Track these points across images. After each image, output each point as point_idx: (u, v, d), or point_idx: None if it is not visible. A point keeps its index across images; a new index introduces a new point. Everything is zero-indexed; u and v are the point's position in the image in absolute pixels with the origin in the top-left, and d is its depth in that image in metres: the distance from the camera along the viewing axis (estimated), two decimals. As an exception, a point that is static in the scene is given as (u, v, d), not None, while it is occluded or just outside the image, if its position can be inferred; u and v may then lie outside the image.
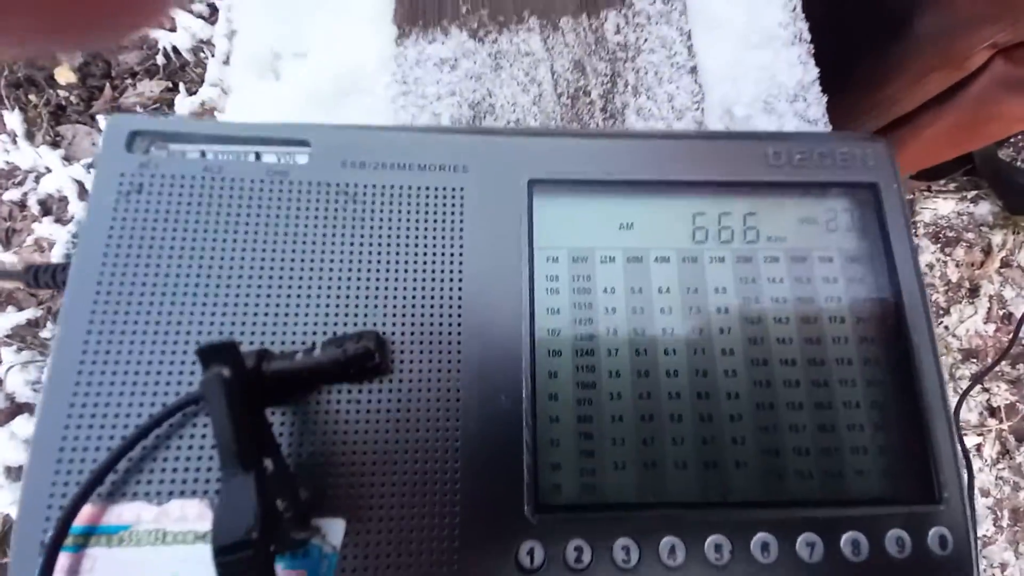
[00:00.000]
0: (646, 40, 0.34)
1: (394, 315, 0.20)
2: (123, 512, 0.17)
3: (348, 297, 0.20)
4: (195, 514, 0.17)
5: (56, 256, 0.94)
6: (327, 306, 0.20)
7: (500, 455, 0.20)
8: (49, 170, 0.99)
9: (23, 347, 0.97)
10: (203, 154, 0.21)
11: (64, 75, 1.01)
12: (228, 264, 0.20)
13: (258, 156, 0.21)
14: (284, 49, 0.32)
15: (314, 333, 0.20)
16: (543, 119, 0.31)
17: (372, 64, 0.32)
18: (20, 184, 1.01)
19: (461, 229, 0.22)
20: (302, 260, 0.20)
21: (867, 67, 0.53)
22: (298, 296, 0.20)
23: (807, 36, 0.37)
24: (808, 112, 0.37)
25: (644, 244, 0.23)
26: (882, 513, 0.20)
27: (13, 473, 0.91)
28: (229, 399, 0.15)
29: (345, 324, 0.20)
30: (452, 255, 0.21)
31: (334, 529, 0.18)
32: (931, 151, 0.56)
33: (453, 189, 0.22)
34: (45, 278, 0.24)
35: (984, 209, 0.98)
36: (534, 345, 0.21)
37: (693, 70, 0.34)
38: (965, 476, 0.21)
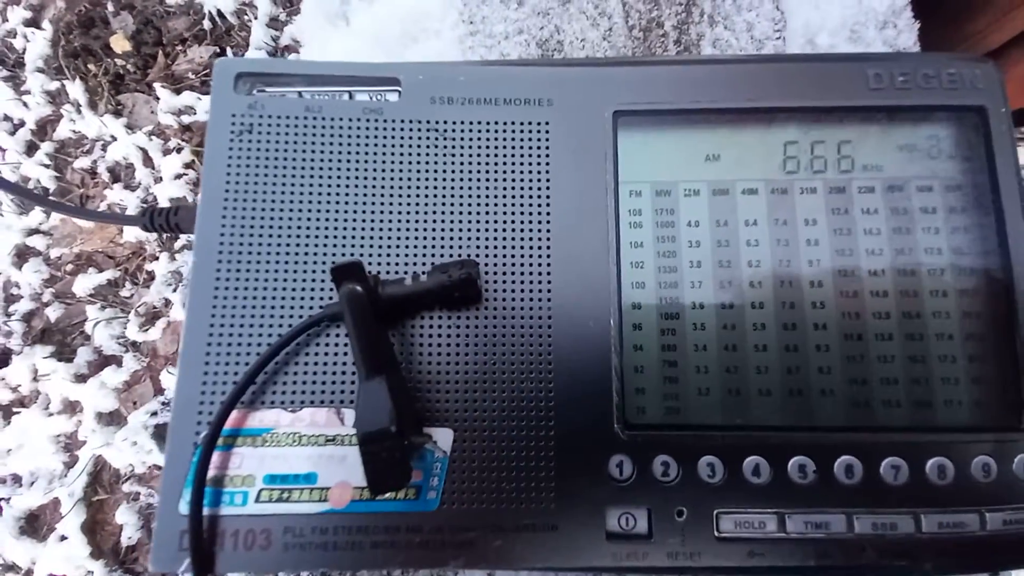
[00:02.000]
0: (723, -35, 0.32)
1: (486, 246, 0.21)
2: (264, 417, 0.20)
3: (442, 229, 0.21)
4: (324, 420, 0.20)
5: (128, 219, 1.01)
6: (422, 238, 0.21)
7: (589, 378, 0.21)
8: (114, 138, 1.04)
9: (105, 305, 1.05)
10: (300, 94, 0.22)
11: (119, 44, 1.04)
12: (333, 198, 0.21)
13: (351, 95, 0.22)
14: (352, -6, 0.32)
15: (414, 264, 0.21)
16: (614, 55, 0.30)
17: (438, 4, 0.31)
18: (88, 152, 1.07)
19: (547, 162, 0.22)
20: (399, 194, 0.21)
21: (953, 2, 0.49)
22: (396, 228, 0.21)
23: (901, -46, 0.34)
24: (898, 40, 0.34)
25: (731, 176, 0.22)
26: (970, 440, 0.20)
27: (104, 418, 1.02)
28: (364, 309, 0.16)
29: (441, 255, 0.21)
30: (539, 188, 0.22)
31: (444, 437, 0.20)
32: (1018, 92, 0.52)
33: (538, 123, 0.22)
34: (159, 220, 0.26)
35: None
36: (619, 279, 0.21)
37: (774, -5, 0.31)
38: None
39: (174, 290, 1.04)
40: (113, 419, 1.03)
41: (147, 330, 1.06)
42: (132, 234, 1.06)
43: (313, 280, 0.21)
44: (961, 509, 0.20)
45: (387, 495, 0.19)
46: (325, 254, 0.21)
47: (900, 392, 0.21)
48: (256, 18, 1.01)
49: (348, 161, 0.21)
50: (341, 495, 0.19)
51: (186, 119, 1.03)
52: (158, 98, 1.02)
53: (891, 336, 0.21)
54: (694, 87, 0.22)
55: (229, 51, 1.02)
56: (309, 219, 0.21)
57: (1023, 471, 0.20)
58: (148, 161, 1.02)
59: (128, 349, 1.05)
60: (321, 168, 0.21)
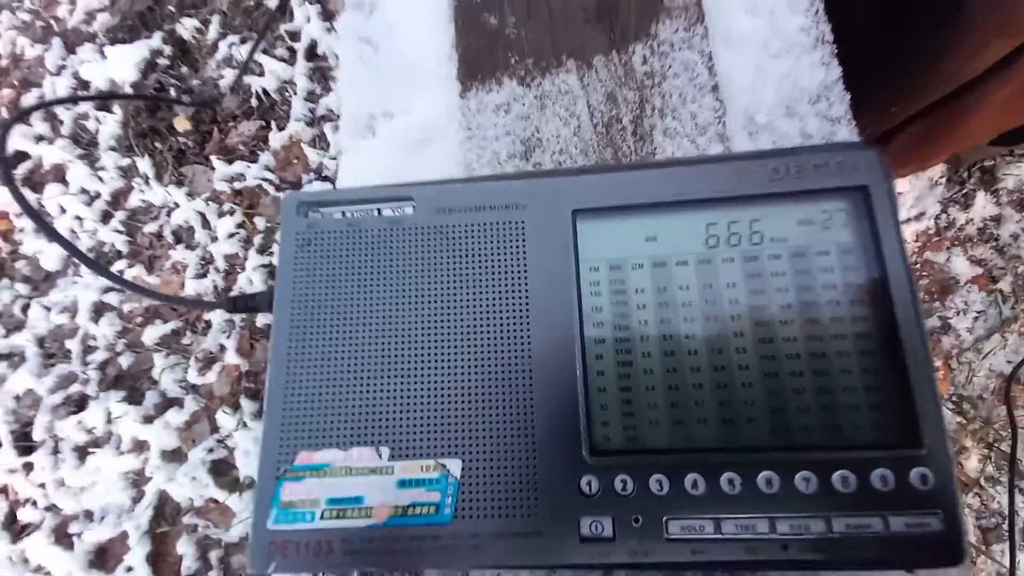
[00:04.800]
0: (670, 66, 0.39)
1: (486, 316, 0.28)
2: (324, 456, 0.27)
3: (450, 309, 0.29)
4: (368, 456, 0.27)
5: (188, 276, 1.14)
6: (435, 318, 0.29)
7: (563, 416, 0.27)
8: (177, 205, 1.19)
9: (169, 352, 1.18)
10: (343, 213, 0.30)
11: (181, 124, 1.20)
12: (373, 293, 0.29)
13: (379, 211, 0.30)
14: (376, 111, 0.41)
15: (428, 339, 0.28)
16: (582, 147, 0.38)
17: (443, 116, 0.40)
18: (155, 219, 1.22)
19: (525, 251, 0.29)
20: (418, 285, 0.29)
21: (920, 47, 0.52)
22: (417, 315, 0.29)
23: (829, 37, 0.40)
24: (831, 111, 0.40)
25: (666, 252, 0.29)
26: (869, 456, 0.25)
27: (168, 455, 1.13)
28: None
29: (449, 328, 0.29)
30: (520, 270, 0.29)
31: (455, 466, 0.27)
32: (1005, 115, 0.54)
33: (516, 222, 0.29)
34: (241, 305, 0.35)
35: (1076, 168, 0.89)
36: (583, 336, 0.28)
37: (714, 88, 0.38)
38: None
39: (228, 337, 1.15)
40: (175, 456, 1.14)
41: (204, 374, 1.17)
42: (192, 288, 1.19)
43: (360, 359, 0.28)
44: (866, 513, 0.25)
45: (414, 511, 0.26)
46: (367, 337, 0.29)
47: (812, 418, 0.26)
48: (296, 93, 1.15)
49: (381, 262, 0.29)
50: (381, 513, 0.26)
51: (237, 185, 1.17)
52: (214, 168, 1.17)
53: (802, 373, 0.27)
54: (635, 187, 0.29)
55: (273, 123, 1.16)
56: (356, 313, 0.29)
57: (919, 482, 0.25)
58: (206, 223, 1.16)
59: (188, 391, 1.17)
60: (363, 269, 0.29)
